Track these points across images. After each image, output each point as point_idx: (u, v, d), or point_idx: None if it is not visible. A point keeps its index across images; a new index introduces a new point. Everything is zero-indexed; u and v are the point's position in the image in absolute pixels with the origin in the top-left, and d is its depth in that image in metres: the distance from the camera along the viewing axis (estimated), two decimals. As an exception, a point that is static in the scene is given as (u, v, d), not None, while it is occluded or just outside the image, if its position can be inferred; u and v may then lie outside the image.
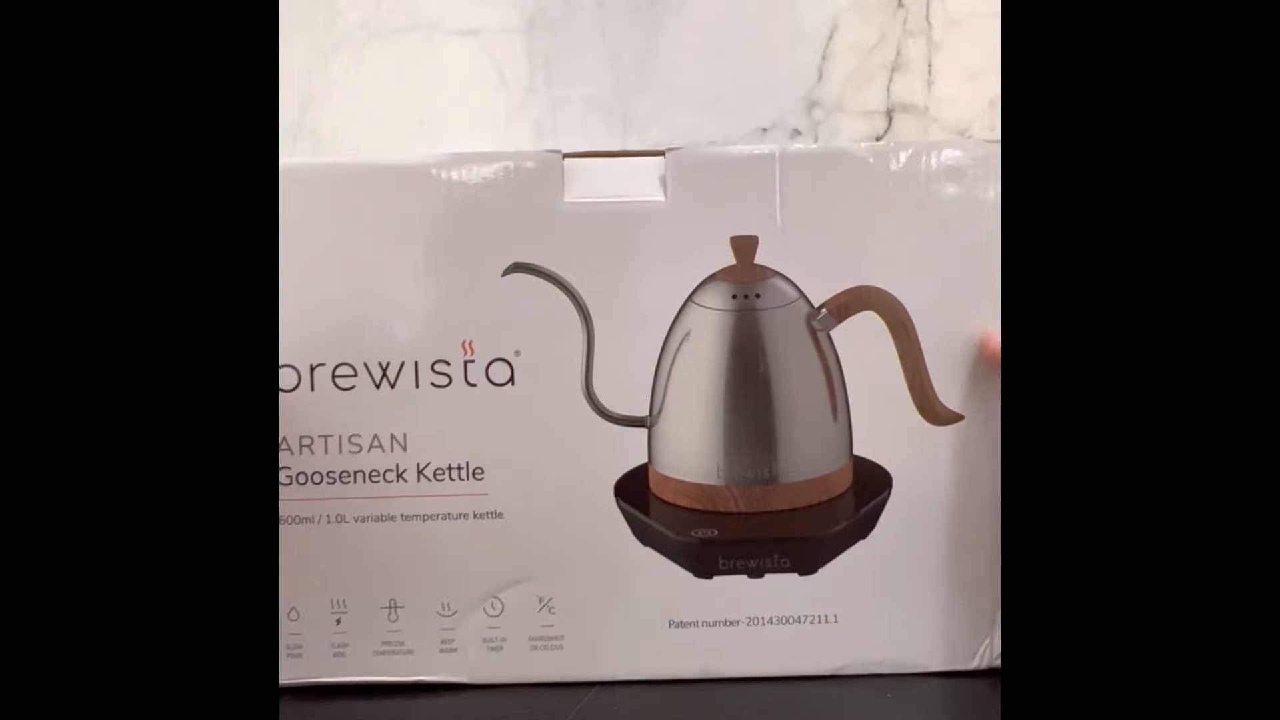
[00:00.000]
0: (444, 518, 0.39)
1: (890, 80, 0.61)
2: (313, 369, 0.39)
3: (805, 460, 0.40)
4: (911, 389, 0.39)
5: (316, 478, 0.39)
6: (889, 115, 0.61)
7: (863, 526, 0.40)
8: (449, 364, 0.39)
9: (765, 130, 0.61)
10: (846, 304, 0.39)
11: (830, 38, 0.60)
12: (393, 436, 0.39)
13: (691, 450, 0.40)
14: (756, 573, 0.40)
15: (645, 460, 0.40)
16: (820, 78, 0.60)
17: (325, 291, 0.39)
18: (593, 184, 0.39)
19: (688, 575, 0.40)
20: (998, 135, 0.33)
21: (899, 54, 0.60)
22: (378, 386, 0.39)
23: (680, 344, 0.39)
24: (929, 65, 0.60)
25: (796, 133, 0.61)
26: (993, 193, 0.38)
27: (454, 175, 0.39)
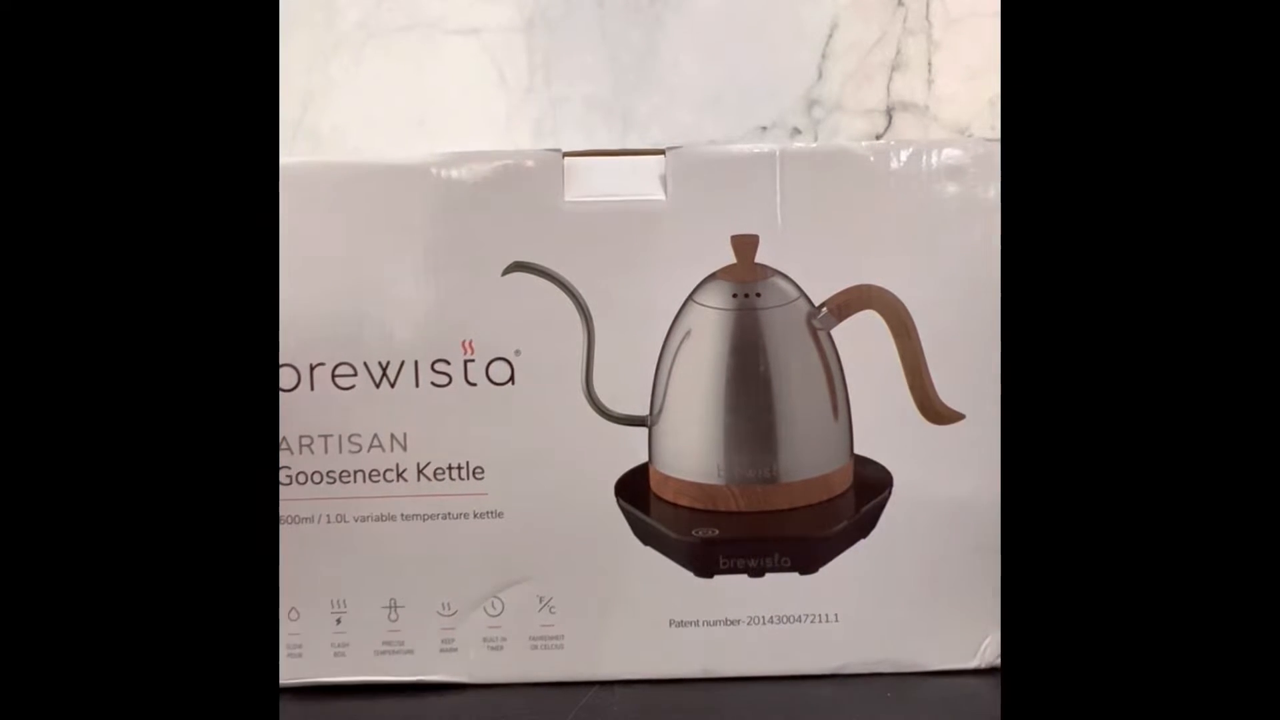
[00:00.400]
0: (444, 517, 0.39)
1: (890, 79, 0.61)
2: (312, 368, 0.39)
3: (806, 459, 0.40)
4: (912, 388, 0.39)
5: (316, 477, 0.39)
6: (889, 114, 0.61)
7: (863, 526, 0.40)
8: (449, 363, 0.39)
9: (765, 129, 0.61)
10: (847, 303, 0.39)
11: (830, 36, 0.60)
12: (393, 436, 0.39)
13: (692, 449, 0.40)
14: (757, 572, 0.40)
15: (646, 460, 0.40)
16: (820, 76, 0.60)
17: (325, 291, 0.39)
18: (593, 183, 0.39)
19: (688, 575, 0.40)
20: (998, 134, 0.33)
21: (899, 53, 0.60)
22: (378, 386, 0.39)
23: (681, 343, 0.39)
24: (929, 64, 0.60)
25: (796, 131, 0.61)
26: (993, 191, 0.38)
27: (454, 174, 0.38)
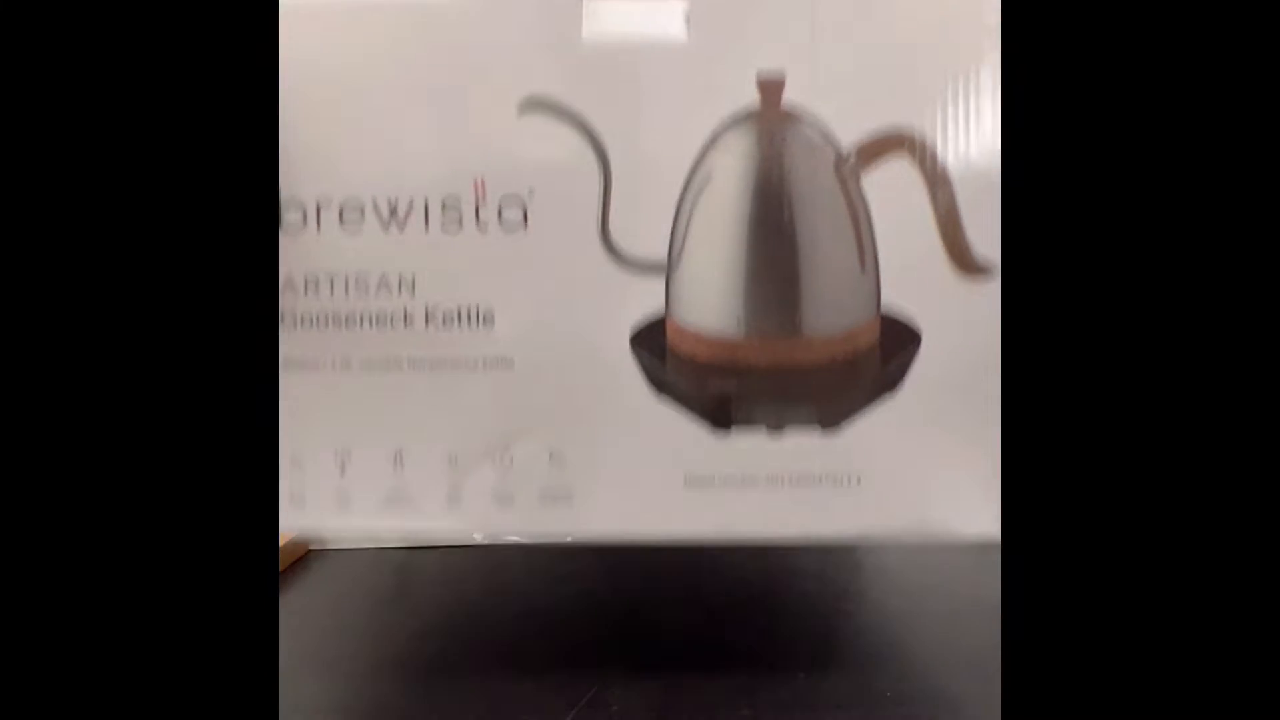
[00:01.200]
0: (452, 365, 0.38)
1: None
2: (319, 206, 0.37)
3: (831, 312, 0.38)
4: (945, 239, 0.37)
5: (322, 321, 0.38)
6: None
7: (890, 381, 0.38)
8: (460, 201, 0.37)
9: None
10: (879, 149, 0.37)
11: None
12: (400, 277, 0.38)
13: (711, 300, 0.38)
14: (777, 427, 0.38)
15: (663, 309, 0.38)
16: None
17: (332, 128, 0.37)
18: (612, 19, 0.37)
19: (705, 430, 0.38)
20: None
21: None
22: (385, 227, 0.37)
23: (702, 188, 0.37)
24: None
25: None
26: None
27: (469, 8, 0.37)
